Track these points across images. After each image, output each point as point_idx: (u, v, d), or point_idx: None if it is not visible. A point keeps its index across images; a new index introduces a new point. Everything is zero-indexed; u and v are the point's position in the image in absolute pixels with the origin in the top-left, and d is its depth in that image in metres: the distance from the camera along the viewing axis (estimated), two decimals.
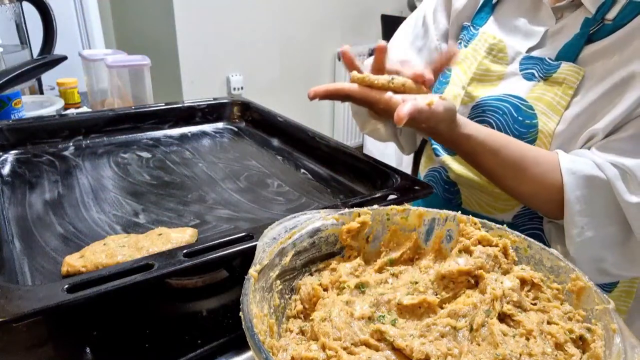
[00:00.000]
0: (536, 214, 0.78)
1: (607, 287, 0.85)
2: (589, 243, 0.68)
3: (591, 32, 0.72)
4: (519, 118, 0.75)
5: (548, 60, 0.75)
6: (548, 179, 0.69)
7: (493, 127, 0.77)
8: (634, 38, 0.69)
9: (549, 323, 0.41)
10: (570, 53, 0.73)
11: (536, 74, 0.77)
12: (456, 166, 0.86)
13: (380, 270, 0.49)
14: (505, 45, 0.82)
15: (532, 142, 0.75)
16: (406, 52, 0.95)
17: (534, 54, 0.79)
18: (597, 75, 0.71)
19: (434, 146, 0.91)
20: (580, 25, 0.73)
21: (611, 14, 0.71)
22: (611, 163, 0.66)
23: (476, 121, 0.78)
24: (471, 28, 0.89)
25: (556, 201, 0.68)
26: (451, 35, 0.94)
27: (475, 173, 0.84)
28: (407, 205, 0.52)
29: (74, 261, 0.52)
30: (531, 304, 0.44)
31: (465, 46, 0.89)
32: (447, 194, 0.89)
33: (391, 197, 0.64)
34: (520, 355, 0.37)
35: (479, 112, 0.80)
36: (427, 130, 0.70)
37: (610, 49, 0.70)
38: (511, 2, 0.85)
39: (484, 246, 0.47)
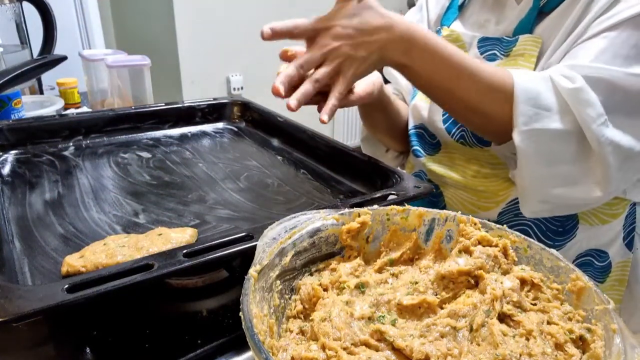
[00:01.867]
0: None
1: (599, 278, 0.85)
2: (537, 134, 0.66)
3: (541, 4, 0.75)
4: None
5: (505, 38, 0.78)
6: (497, 74, 0.68)
7: None
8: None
9: (549, 323, 0.41)
10: (525, 27, 0.76)
11: (497, 53, 0.78)
12: (435, 167, 0.87)
13: (380, 271, 0.49)
14: (459, 33, 0.84)
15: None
16: None
17: (489, 34, 0.81)
18: (553, 43, 0.73)
19: (414, 147, 0.92)
20: (532, 1, 0.76)
21: None
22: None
23: (450, 115, 0.81)
24: (441, 30, 0.90)
25: (505, 99, 0.67)
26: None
27: (455, 171, 0.84)
28: (407, 206, 0.52)
29: (73, 261, 0.52)
30: (531, 304, 0.44)
31: None
32: (431, 197, 0.89)
33: (391, 197, 0.64)
34: (520, 355, 0.37)
35: None
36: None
37: (561, 16, 0.73)
38: (476, 2, 0.87)
39: (483, 246, 0.47)
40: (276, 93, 0.69)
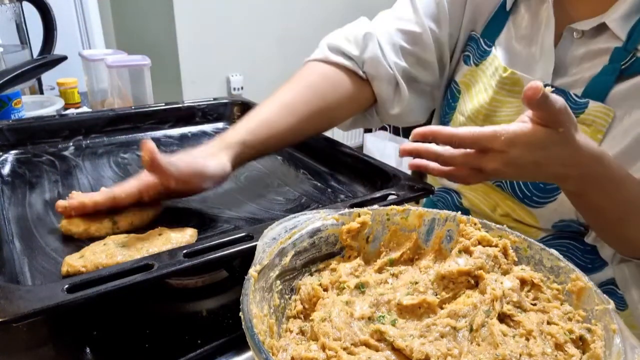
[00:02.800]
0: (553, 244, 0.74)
1: (621, 306, 0.78)
2: None
3: (623, 66, 0.63)
4: None
5: (574, 96, 0.67)
6: None
7: None
8: None
9: (548, 323, 0.41)
10: (599, 90, 0.64)
11: None
12: (470, 194, 0.81)
13: (380, 271, 0.49)
14: (520, 78, 0.72)
15: (557, 189, 0.69)
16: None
17: (557, 83, 0.70)
18: (628, 118, 0.63)
19: None
20: (610, 58, 0.64)
21: None
22: None
23: None
24: (481, 42, 0.79)
25: None
26: (460, 43, 0.84)
27: (488, 205, 0.78)
28: (407, 206, 0.52)
29: (74, 261, 0.52)
30: (531, 304, 0.44)
31: (476, 64, 0.80)
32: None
33: (391, 197, 0.64)
34: (520, 355, 0.37)
35: None
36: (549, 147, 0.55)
37: None
38: (526, 12, 0.75)
39: (483, 246, 0.47)
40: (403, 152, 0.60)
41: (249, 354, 0.50)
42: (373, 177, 0.78)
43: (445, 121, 0.85)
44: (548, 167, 0.56)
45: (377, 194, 0.65)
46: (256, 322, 0.36)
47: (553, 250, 0.45)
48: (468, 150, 0.56)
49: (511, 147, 0.54)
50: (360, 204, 0.61)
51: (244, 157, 0.70)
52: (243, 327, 0.35)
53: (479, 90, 0.78)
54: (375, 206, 0.51)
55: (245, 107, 1.09)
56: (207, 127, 1.06)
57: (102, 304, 0.53)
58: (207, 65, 2.64)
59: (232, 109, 1.10)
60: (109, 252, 0.53)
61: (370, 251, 0.51)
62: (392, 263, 0.50)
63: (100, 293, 0.42)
